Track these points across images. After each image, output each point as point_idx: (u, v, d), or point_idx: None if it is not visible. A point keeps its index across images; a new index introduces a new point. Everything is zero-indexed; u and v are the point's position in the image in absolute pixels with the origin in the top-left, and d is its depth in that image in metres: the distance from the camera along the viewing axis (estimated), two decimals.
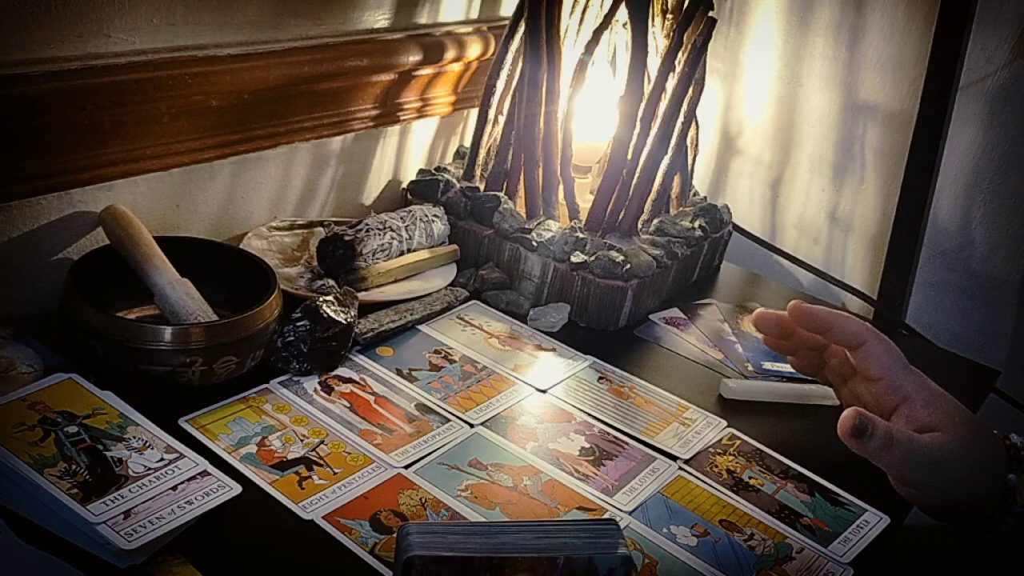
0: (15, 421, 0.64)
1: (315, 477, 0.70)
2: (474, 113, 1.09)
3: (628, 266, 0.95)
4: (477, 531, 0.59)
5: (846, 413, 0.70)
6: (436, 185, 1.04)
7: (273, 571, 0.63)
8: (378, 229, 0.94)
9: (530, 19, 0.97)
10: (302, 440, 0.74)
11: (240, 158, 0.93)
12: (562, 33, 0.99)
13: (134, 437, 0.66)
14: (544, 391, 0.85)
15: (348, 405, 0.79)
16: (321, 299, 0.81)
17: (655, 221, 1.04)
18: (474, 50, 1.07)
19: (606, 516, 0.71)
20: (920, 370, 0.78)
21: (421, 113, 1.08)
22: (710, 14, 0.99)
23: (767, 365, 0.93)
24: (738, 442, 0.82)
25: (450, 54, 1.04)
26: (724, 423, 0.84)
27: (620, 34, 1.03)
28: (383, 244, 0.94)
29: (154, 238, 0.81)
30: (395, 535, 0.65)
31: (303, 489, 0.69)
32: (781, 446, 0.82)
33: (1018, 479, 0.72)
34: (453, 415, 0.80)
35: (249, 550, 0.64)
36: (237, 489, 0.64)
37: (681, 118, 1.00)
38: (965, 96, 1.15)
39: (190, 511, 0.61)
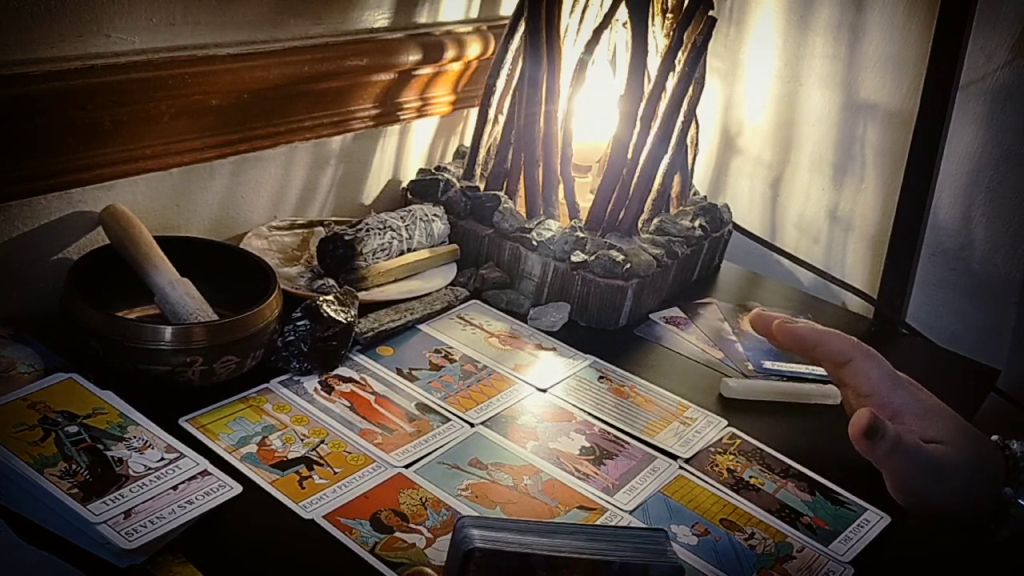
0: (15, 421, 0.64)
1: (315, 476, 0.70)
2: (474, 112, 1.09)
3: (628, 265, 0.95)
4: (532, 529, 0.59)
5: (860, 412, 0.69)
6: (436, 184, 1.04)
7: (273, 571, 0.63)
8: (378, 229, 0.94)
9: (530, 18, 0.97)
10: (302, 440, 0.74)
11: (240, 158, 0.93)
12: (562, 32, 0.99)
13: (134, 437, 0.66)
14: (544, 390, 0.85)
15: (348, 404, 0.79)
16: (321, 299, 0.81)
17: (655, 220, 1.04)
18: (474, 49, 1.07)
19: (607, 515, 0.71)
20: (919, 371, 0.78)
21: (421, 112, 1.08)
22: (710, 13, 0.99)
23: (767, 364, 0.93)
24: (738, 441, 0.82)
25: (450, 53, 1.04)
26: (724, 422, 0.84)
27: (620, 33, 1.03)
28: (383, 244, 0.94)
29: (154, 238, 0.81)
30: (395, 534, 0.66)
31: (303, 489, 0.69)
32: (781, 445, 0.82)
33: (1014, 493, 0.71)
34: (453, 414, 0.80)
35: (249, 550, 0.64)
36: (237, 489, 0.64)
37: (681, 117, 1.00)
38: (965, 95, 1.15)
39: (190, 511, 0.61)
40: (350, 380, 0.82)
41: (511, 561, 0.56)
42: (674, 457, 0.79)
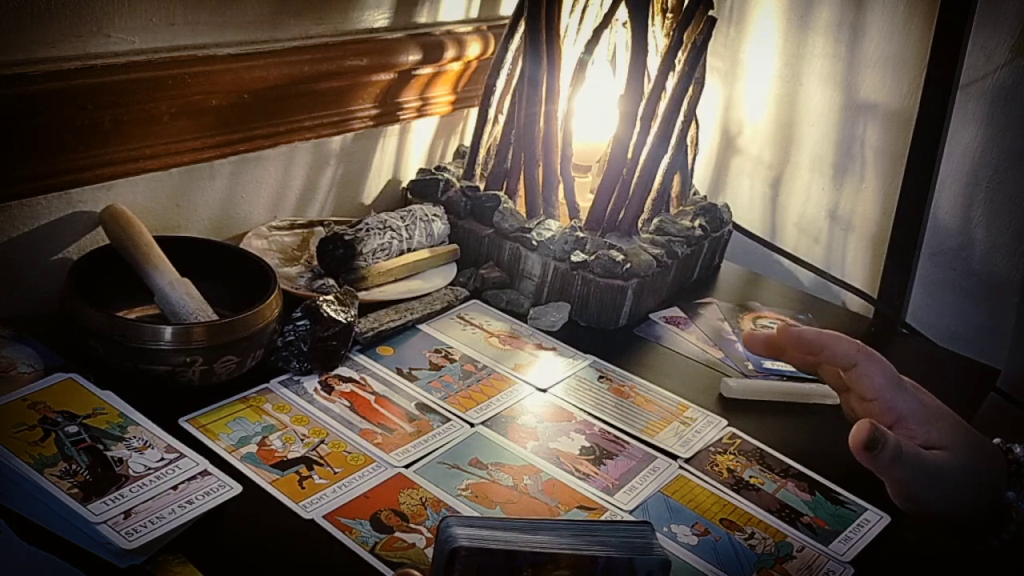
0: (15, 421, 0.64)
1: (315, 476, 0.70)
2: (474, 112, 1.09)
3: (628, 265, 0.95)
4: (516, 526, 0.59)
5: (860, 424, 0.69)
6: (436, 184, 1.04)
7: (273, 571, 0.63)
8: (378, 228, 0.94)
9: (530, 18, 0.97)
10: (302, 439, 0.74)
11: (240, 158, 0.93)
12: (562, 32, 0.99)
13: (134, 437, 0.66)
14: (544, 390, 0.85)
15: (348, 404, 0.79)
16: (321, 299, 0.81)
17: (655, 220, 1.04)
18: (474, 49, 1.07)
19: (607, 515, 0.71)
20: (919, 370, 0.77)
21: (421, 112, 1.08)
22: (710, 13, 0.99)
23: (767, 364, 0.93)
24: (738, 441, 0.82)
25: (450, 53, 1.04)
26: (724, 422, 0.84)
27: (620, 33, 1.03)
28: (383, 243, 0.94)
29: (154, 238, 0.81)
30: (395, 534, 0.66)
31: (303, 488, 0.69)
32: (781, 445, 0.82)
33: (1016, 496, 0.71)
34: (453, 414, 0.80)
35: (249, 550, 0.64)
36: (237, 489, 0.64)
37: (681, 117, 1.00)
38: (965, 95, 1.15)
39: (190, 511, 0.61)
40: (350, 380, 0.82)
41: (496, 559, 0.56)
42: (674, 457, 0.79)
